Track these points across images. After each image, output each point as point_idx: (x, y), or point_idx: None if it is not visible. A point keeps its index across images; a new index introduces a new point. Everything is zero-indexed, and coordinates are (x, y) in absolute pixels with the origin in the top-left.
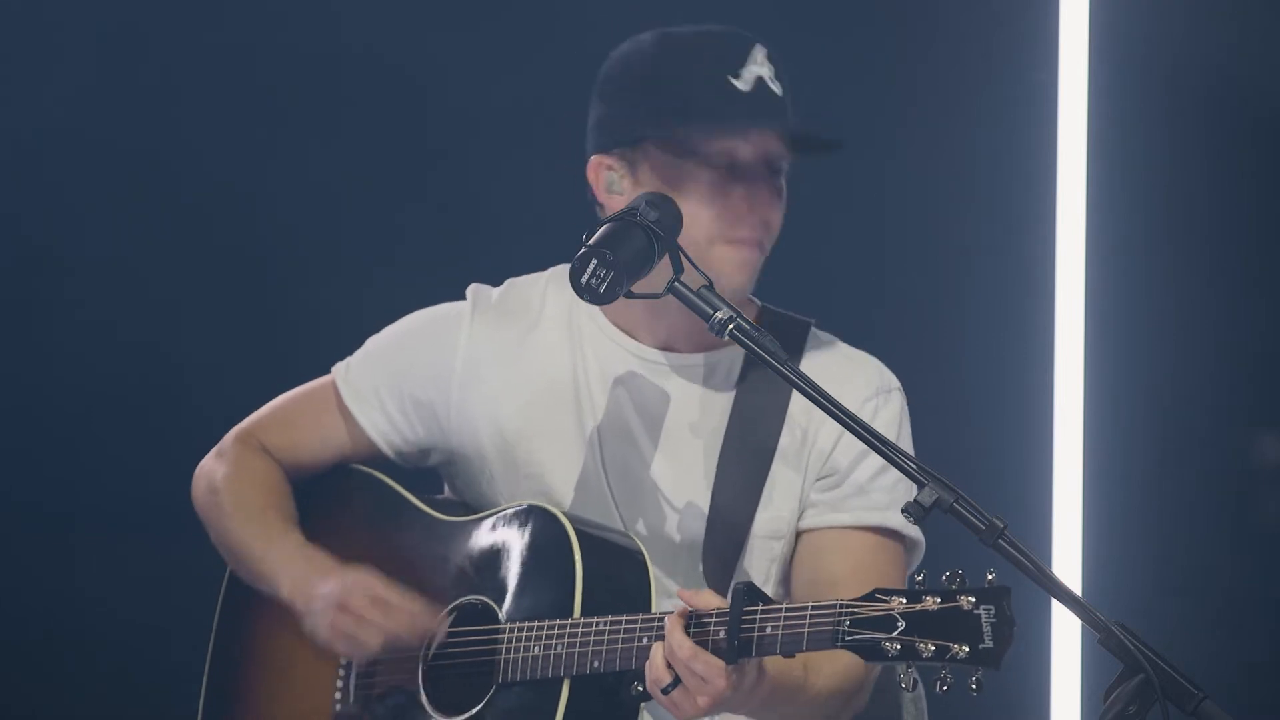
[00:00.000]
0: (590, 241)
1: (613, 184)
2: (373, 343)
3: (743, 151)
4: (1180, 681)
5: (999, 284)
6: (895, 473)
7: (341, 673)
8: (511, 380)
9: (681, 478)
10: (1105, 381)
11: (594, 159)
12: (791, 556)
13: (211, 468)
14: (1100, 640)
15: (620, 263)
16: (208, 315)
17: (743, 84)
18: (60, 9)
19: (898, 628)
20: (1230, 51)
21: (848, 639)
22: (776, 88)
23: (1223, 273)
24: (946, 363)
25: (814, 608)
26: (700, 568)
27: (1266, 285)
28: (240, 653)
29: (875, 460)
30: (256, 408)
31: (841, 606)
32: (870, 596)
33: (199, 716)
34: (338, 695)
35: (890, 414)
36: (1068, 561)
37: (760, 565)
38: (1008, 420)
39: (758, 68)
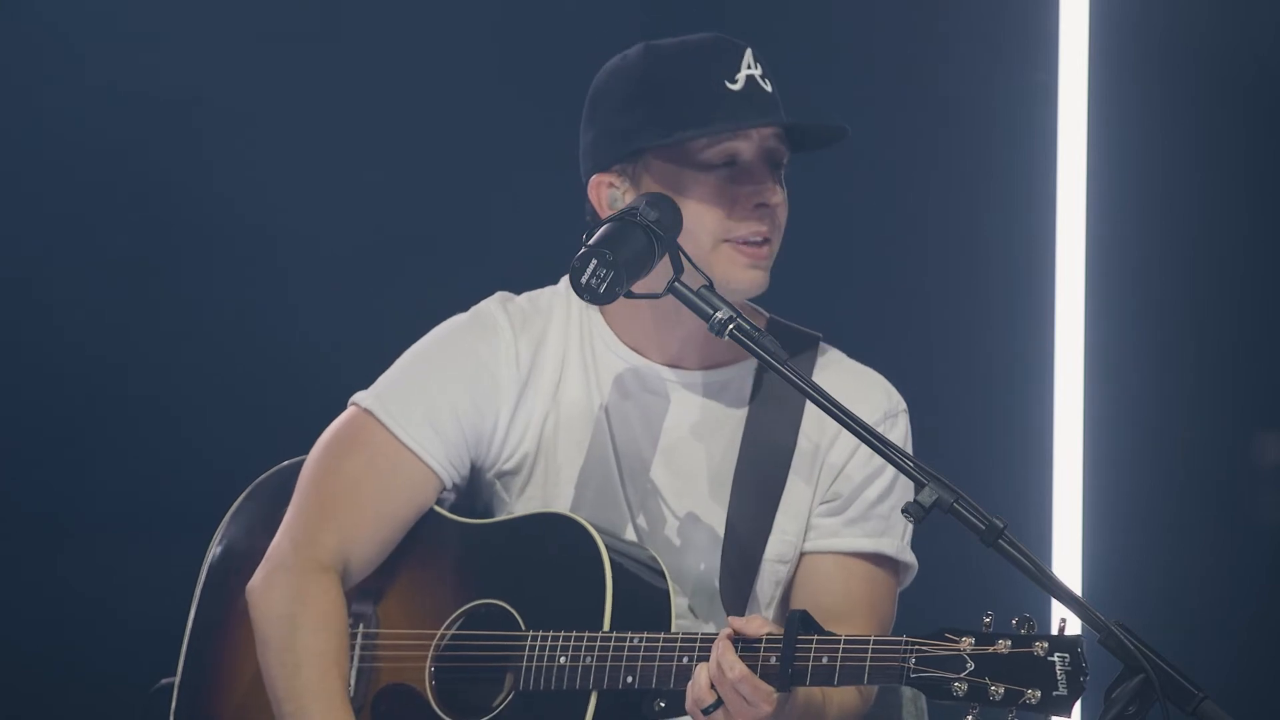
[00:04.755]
0: (590, 241)
1: (615, 200)
2: (405, 369)
3: (743, 151)
4: (1180, 681)
5: (999, 284)
6: (896, 498)
7: None
8: (544, 398)
9: (694, 498)
10: (1105, 381)
11: (594, 178)
12: (792, 578)
13: (279, 596)
14: (1100, 640)
15: (620, 263)
16: (207, 316)
17: (735, 85)
18: (59, 10)
19: (967, 668)
20: (1231, 51)
21: (914, 676)
22: (767, 85)
23: (1222, 272)
24: (946, 362)
25: (876, 641)
26: (714, 589)
27: (1266, 285)
28: (225, 641)
29: (881, 483)
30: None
31: (907, 642)
32: (938, 634)
33: (173, 705)
34: None
35: (896, 437)
36: (1068, 561)
37: (767, 589)
38: (1008, 420)
39: (749, 69)
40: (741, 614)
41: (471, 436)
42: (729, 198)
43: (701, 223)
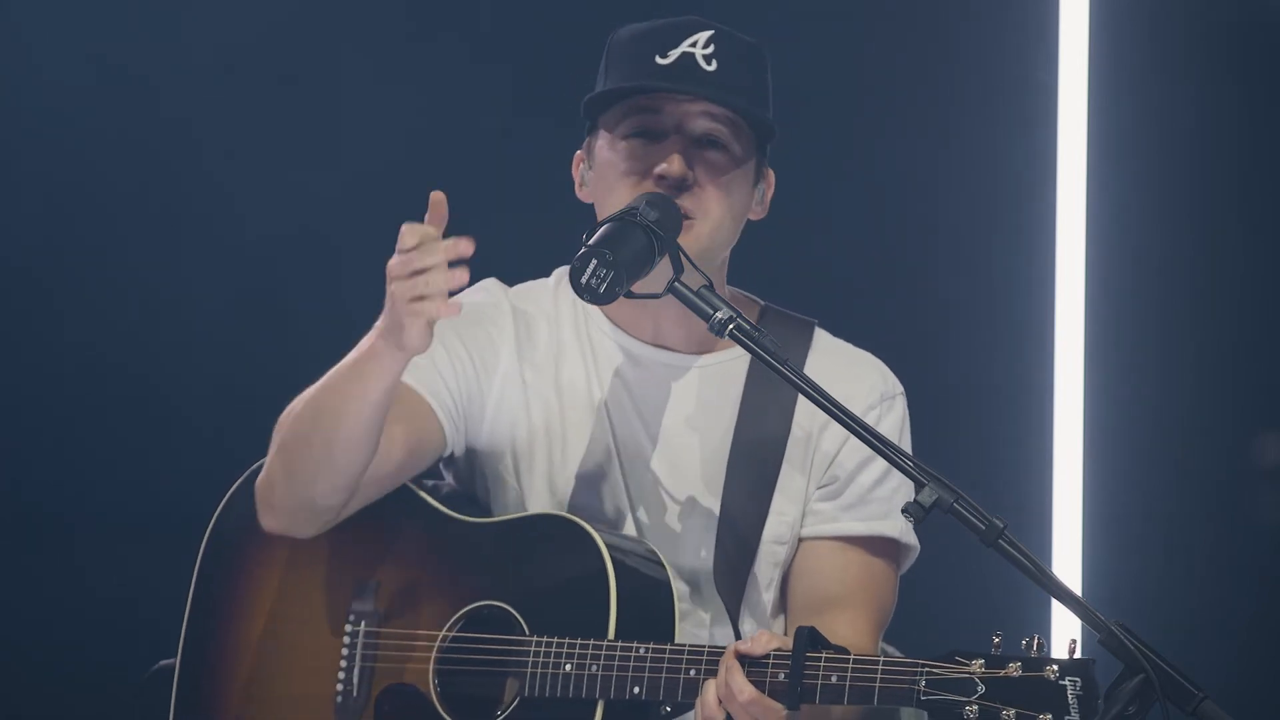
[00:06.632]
0: (590, 241)
1: (584, 177)
2: None
3: (657, 123)
4: (1180, 681)
5: (999, 284)
6: (895, 481)
7: (344, 663)
8: (539, 383)
9: (691, 483)
10: (1105, 381)
11: (575, 155)
12: (790, 561)
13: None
14: (1100, 640)
15: (620, 263)
16: (206, 316)
17: (665, 60)
18: (60, 10)
19: (978, 692)
20: (1231, 50)
21: (924, 699)
22: (709, 65)
23: (1223, 273)
24: (946, 362)
25: (887, 661)
26: (711, 572)
27: (1266, 285)
28: (223, 637)
29: (877, 468)
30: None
31: (919, 664)
32: (949, 657)
33: (172, 702)
34: (340, 686)
35: (893, 421)
36: (1068, 561)
37: (766, 571)
38: (1008, 420)
39: (690, 47)
40: (739, 597)
41: (468, 387)
42: (638, 170)
43: (614, 192)
